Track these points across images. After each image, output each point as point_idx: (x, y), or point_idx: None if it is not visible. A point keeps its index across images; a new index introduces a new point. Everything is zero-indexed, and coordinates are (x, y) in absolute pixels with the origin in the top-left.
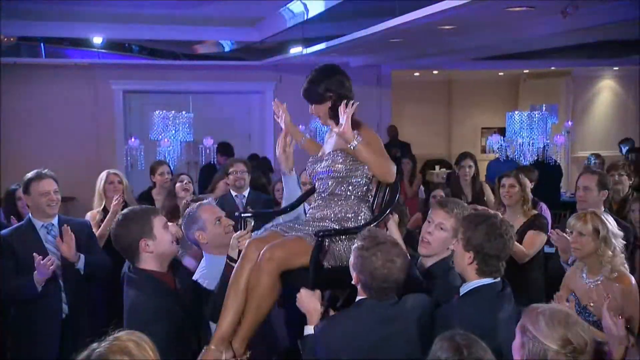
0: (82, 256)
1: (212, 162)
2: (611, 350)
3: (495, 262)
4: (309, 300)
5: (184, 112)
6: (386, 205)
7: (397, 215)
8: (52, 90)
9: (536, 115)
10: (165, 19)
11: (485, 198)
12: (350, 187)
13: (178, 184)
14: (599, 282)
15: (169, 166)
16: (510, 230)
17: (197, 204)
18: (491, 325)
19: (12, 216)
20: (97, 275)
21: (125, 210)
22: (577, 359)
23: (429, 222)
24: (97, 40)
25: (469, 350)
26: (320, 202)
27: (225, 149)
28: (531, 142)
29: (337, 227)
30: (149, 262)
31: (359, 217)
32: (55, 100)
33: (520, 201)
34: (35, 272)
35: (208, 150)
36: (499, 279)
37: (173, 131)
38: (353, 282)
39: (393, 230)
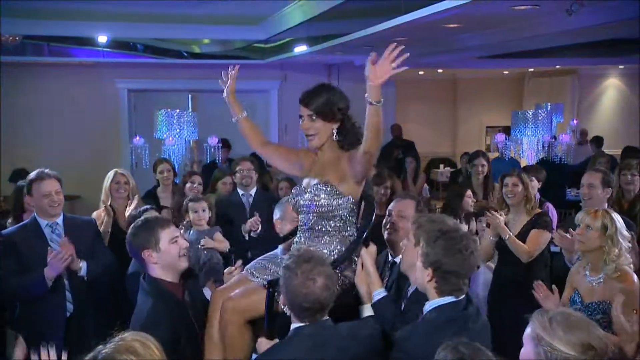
0: (84, 263)
1: (215, 161)
2: (622, 348)
3: (455, 280)
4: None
5: (188, 111)
6: (354, 242)
7: (373, 247)
8: (56, 89)
9: (541, 114)
10: (170, 18)
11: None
12: (331, 222)
13: (188, 184)
14: (601, 280)
15: (170, 164)
16: (472, 245)
17: None
18: None
19: (20, 214)
20: (101, 280)
21: (139, 219)
22: None
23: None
24: (102, 39)
25: None
26: (300, 237)
27: (224, 142)
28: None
29: None
30: (157, 271)
31: (332, 255)
32: (60, 99)
33: (523, 200)
34: (47, 267)
35: (213, 149)
36: (462, 297)
37: (177, 130)
38: (281, 304)
39: (367, 263)
